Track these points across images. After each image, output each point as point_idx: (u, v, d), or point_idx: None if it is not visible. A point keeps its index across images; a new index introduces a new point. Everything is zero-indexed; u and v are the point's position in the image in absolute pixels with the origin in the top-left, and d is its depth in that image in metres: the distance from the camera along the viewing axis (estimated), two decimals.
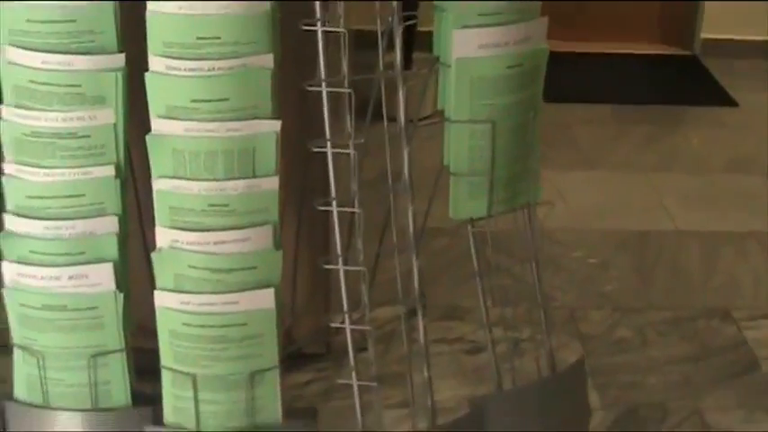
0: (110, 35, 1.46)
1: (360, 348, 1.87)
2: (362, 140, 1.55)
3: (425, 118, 1.63)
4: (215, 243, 1.47)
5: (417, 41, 1.62)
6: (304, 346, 1.86)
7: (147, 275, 1.69)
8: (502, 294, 1.85)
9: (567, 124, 2.77)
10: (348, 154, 1.55)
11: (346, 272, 1.59)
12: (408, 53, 2.26)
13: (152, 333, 1.59)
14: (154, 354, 1.60)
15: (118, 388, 1.57)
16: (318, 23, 1.48)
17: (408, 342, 1.73)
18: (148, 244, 1.67)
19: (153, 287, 1.66)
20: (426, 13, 1.76)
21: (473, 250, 1.67)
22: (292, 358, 1.61)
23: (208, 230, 1.47)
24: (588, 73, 3.29)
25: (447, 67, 1.56)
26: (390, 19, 1.54)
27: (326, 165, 1.74)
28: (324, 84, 1.49)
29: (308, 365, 1.90)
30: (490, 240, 1.74)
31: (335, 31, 1.48)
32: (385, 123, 1.56)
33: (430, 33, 1.57)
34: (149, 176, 1.50)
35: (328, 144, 1.51)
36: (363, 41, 1.69)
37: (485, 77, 1.56)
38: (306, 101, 1.59)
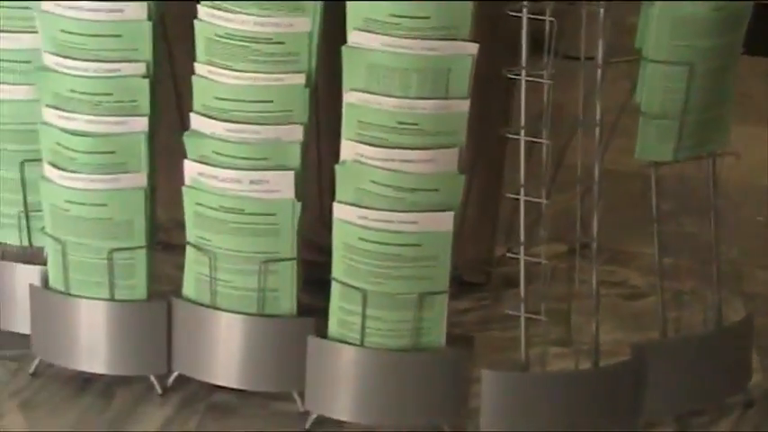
0: None
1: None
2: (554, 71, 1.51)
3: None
4: (400, 161, 1.46)
5: None
6: (465, 274, 1.84)
7: (317, 188, 1.70)
8: (669, 243, 1.81)
9: (741, 76, 2.68)
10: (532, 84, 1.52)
11: (517, 204, 1.57)
12: None
13: (312, 245, 1.60)
14: (312, 266, 1.61)
15: (285, 296, 1.58)
16: None
17: (573, 281, 1.71)
18: (322, 156, 1.68)
19: (320, 200, 1.67)
20: None
21: (653, 195, 1.63)
22: (453, 285, 1.60)
23: (394, 147, 1.46)
24: (764, 25, 3.17)
25: (650, 4, 1.51)
26: None
27: (505, 94, 1.72)
28: (525, 10, 1.46)
29: (468, 294, 1.88)
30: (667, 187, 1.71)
31: None
32: (582, 58, 1.52)
33: None
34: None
35: (523, 72, 1.48)
36: None
37: (688, 18, 1.50)
38: (496, 28, 1.57)
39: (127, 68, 1.54)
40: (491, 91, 1.66)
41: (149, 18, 1.52)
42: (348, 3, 1.44)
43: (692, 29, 1.51)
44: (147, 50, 1.54)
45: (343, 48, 1.45)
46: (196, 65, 1.52)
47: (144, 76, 1.54)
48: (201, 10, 1.49)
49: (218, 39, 1.48)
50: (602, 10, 1.49)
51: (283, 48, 1.47)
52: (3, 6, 1.60)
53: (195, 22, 1.50)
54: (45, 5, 1.53)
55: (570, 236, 1.69)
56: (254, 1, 1.46)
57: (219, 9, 1.47)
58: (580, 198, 1.71)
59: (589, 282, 1.63)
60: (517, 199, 1.54)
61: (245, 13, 1.46)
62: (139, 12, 1.52)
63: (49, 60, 1.56)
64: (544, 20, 1.46)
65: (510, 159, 1.82)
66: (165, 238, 1.80)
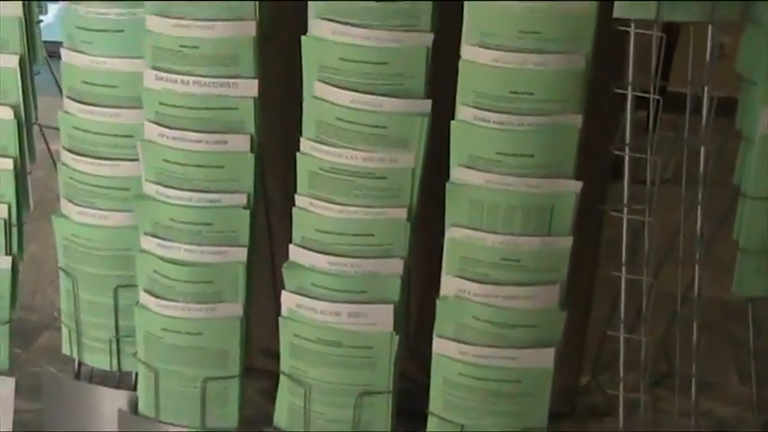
0: (419, 80, 1.47)
1: (604, 413, 1.84)
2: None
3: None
4: (502, 297, 1.46)
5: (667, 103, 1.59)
6: (551, 404, 1.83)
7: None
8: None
9: None
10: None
11: (605, 336, 1.58)
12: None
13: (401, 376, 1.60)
14: (401, 395, 1.60)
15: (379, 428, 1.57)
16: (629, 86, 1.45)
17: (659, 411, 1.70)
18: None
19: (407, 331, 1.67)
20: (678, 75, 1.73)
21: (751, 330, 1.63)
22: None
23: (496, 284, 1.46)
24: None
25: (749, 141, 1.52)
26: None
27: (596, 228, 1.73)
28: (627, 149, 1.47)
29: (552, 424, 1.86)
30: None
31: (645, 96, 1.46)
32: (683, 191, 1.52)
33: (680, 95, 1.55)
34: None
35: (625, 210, 1.49)
36: None
37: None
38: (591, 162, 1.58)
39: (228, 199, 1.55)
40: (582, 224, 1.67)
41: (252, 150, 1.54)
42: (453, 139, 1.45)
43: None
44: (248, 182, 1.55)
45: (448, 184, 1.46)
46: (297, 197, 1.53)
47: (245, 207, 1.55)
48: (305, 143, 1.51)
49: (322, 172, 1.50)
50: (702, 147, 1.50)
51: (386, 182, 1.49)
52: (105, 134, 1.62)
53: (298, 155, 1.52)
54: (149, 135, 1.56)
55: (653, 367, 1.69)
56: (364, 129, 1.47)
57: (325, 143, 1.49)
58: (667, 328, 1.71)
59: (673, 413, 1.62)
60: (616, 335, 1.53)
61: (351, 148, 1.48)
62: (242, 143, 1.54)
63: (150, 189, 1.58)
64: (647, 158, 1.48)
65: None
66: (247, 363, 1.80)
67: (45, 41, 1.78)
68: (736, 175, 1.56)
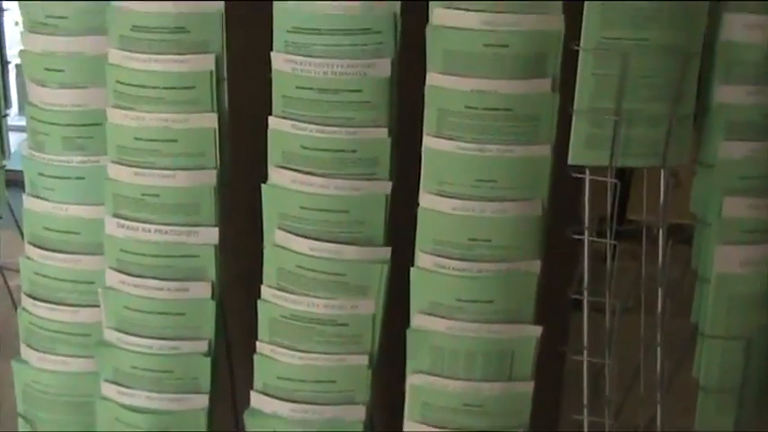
0: (378, 227, 1.48)
1: None
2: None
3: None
4: None
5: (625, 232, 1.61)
6: None
7: None
8: None
9: None
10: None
11: None
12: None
13: None
14: None
15: None
16: (586, 232, 1.48)
17: None
18: None
19: None
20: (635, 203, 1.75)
21: None
22: None
23: (459, 429, 1.47)
24: None
25: (705, 281, 1.54)
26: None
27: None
28: (585, 293, 1.49)
29: None
30: None
31: (601, 241, 1.48)
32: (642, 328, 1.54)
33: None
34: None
35: (584, 353, 1.50)
36: None
37: (745, 295, 1.53)
38: (551, 302, 1.59)
39: (189, 346, 1.55)
40: (544, 364, 1.67)
41: (213, 297, 1.54)
42: (413, 286, 1.46)
43: (749, 305, 1.53)
44: (209, 329, 1.55)
45: (408, 331, 1.47)
46: (258, 344, 1.54)
47: (206, 354, 1.55)
48: (266, 291, 1.51)
49: (283, 320, 1.50)
50: (660, 289, 1.52)
51: (347, 329, 1.49)
52: (66, 281, 1.62)
53: (259, 302, 1.52)
54: (110, 282, 1.56)
55: None
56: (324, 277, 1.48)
57: (285, 291, 1.50)
58: None
59: None
60: None
61: (311, 296, 1.48)
62: (204, 291, 1.54)
63: (111, 336, 1.57)
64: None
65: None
66: None
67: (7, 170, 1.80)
68: (693, 314, 1.58)
